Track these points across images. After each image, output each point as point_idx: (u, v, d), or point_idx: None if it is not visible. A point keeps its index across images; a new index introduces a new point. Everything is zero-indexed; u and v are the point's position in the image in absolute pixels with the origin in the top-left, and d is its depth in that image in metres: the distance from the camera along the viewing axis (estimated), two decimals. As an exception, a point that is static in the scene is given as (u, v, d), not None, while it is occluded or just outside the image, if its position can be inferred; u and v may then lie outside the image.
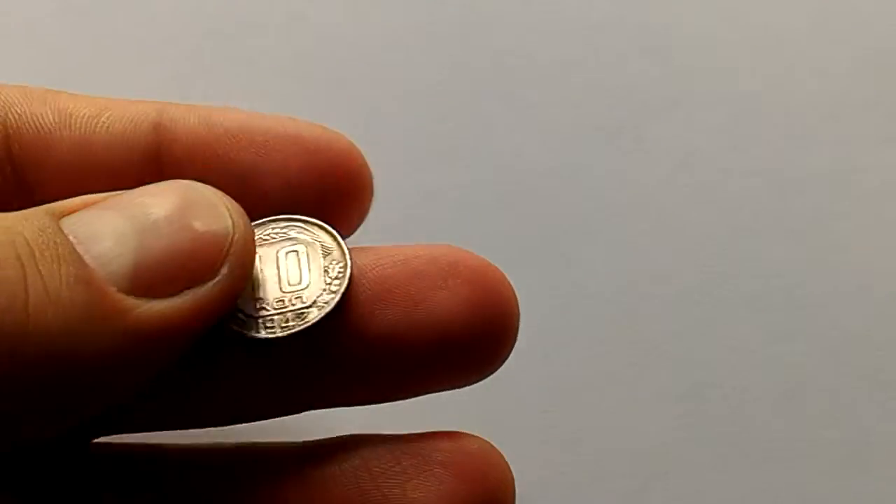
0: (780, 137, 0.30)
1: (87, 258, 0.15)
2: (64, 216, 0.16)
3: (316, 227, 0.18)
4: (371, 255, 0.18)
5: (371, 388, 0.18)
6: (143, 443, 0.19)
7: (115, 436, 0.19)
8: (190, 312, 0.15)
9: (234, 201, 0.16)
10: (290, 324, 0.17)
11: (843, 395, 0.26)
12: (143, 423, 0.18)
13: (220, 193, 0.16)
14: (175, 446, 0.19)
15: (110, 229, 0.15)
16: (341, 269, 0.17)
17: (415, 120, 0.30)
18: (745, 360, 0.26)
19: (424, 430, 0.18)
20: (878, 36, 0.32)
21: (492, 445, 0.18)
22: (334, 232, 0.18)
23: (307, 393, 0.18)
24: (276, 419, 0.19)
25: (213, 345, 0.17)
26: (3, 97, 0.18)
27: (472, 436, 0.18)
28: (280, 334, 0.17)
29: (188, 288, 0.15)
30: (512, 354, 0.18)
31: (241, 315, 0.17)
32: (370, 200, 0.19)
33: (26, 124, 0.18)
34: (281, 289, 0.18)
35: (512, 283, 0.18)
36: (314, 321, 0.17)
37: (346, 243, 0.18)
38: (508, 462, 0.18)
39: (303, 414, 0.18)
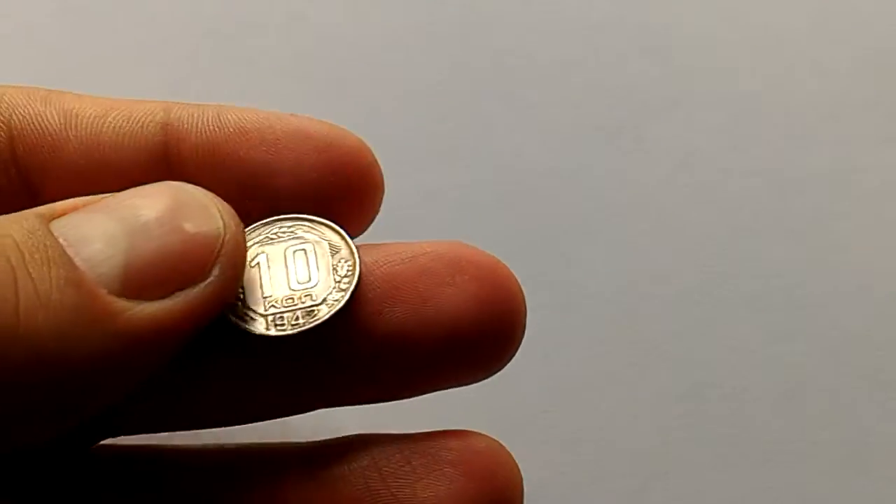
0: (780, 137, 0.30)
1: (77, 260, 0.15)
2: (54, 219, 0.15)
3: (323, 226, 0.18)
4: (378, 252, 0.18)
5: (379, 385, 0.18)
6: (146, 444, 0.19)
7: (118, 437, 0.19)
8: (181, 314, 0.15)
9: (225, 203, 0.16)
10: (300, 321, 0.17)
11: (843, 395, 0.26)
12: (150, 423, 0.18)
13: (210, 195, 0.16)
14: (179, 447, 0.19)
15: (100, 231, 0.15)
16: (350, 268, 0.18)
17: (415, 120, 0.30)
18: (745, 360, 0.26)
19: (423, 430, 0.18)
20: (878, 36, 0.32)
21: (500, 444, 0.18)
22: (341, 231, 0.18)
23: (315, 391, 0.18)
24: (281, 419, 0.18)
25: (223, 343, 0.17)
26: (7, 99, 0.18)
27: (481, 434, 0.18)
28: (291, 332, 0.17)
29: (179, 290, 0.15)
30: (512, 354, 0.18)
31: (250, 313, 0.17)
32: (381, 197, 0.19)
33: (31, 125, 0.18)
34: (290, 287, 0.18)
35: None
36: (324, 319, 0.17)
37: (353, 241, 0.18)
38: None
39: (304, 414, 0.18)
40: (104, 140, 0.18)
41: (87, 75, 0.30)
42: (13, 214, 0.15)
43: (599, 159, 0.30)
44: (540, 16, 0.32)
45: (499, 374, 0.18)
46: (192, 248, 0.16)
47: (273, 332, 0.17)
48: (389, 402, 0.18)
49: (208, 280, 0.16)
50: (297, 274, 0.18)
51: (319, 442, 0.18)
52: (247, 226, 0.18)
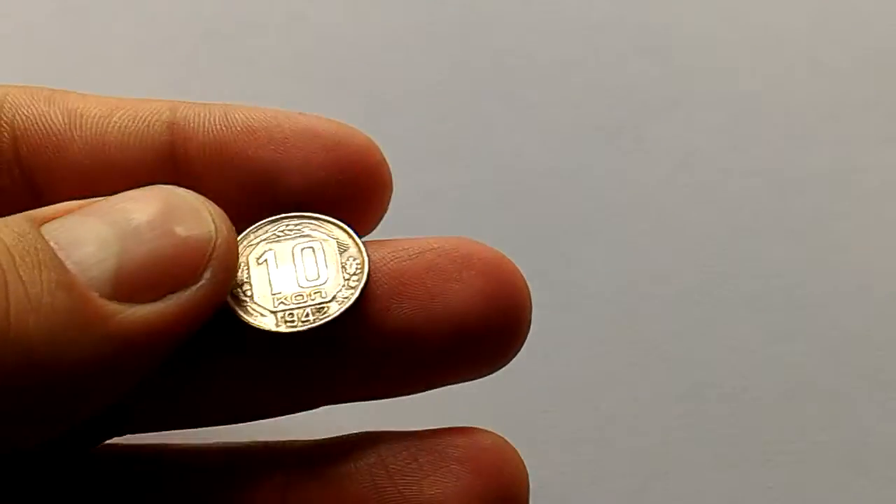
0: (780, 137, 0.30)
1: (68, 264, 0.15)
2: (45, 222, 0.15)
3: (329, 224, 0.18)
4: (385, 248, 0.18)
5: (386, 381, 0.18)
6: (148, 444, 0.19)
7: (121, 438, 0.19)
8: (173, 317, 0.15)
9: (216, 206, 0.16)
10: (310, 318, 0.17)
11: (843, 395, 0.26)
12: (156, 422, 0.18)
13: (202, 198, 0.16)
14: (182, 446, 0.19)
15: (92, 235, 0.15)
16: (359, 265, 0.18)
17: (415, 120, 0.30)
18: (745, 360, 0.26)
19: (422, 427, 0.18)
20: (878, 36, 0.32)
21: (505, 441, 0.18)
22: (348, 228, 0.18)
23: (322, 388, 0.18)
24: (286, 416, 0.18)
25: (232, 339, 0.17)
26: (10, 99, 0.18)
27: (487, 431, 0.18)
28: (301, 328, 0.17)
29: (171, 293, 0.15)
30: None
31: (259, 309, 0.17)
32: (390, 196, 0.19)
33: (35, 126, 0.18)
34: (299, 284, 0.18)
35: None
36: (335, 315, 0.17)
37: (360, 239, 0.18)
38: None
39: (309, 411, 0.18)
40: (109, 140, 0.18)
41: (86, 75, 0.30)
42: (3, 218, 0.15)
43: (599, 159, 0.29)
44: (540, 16, 0.32)
45: (498, 373, 0.18)
46: (184, 251, 0.16)
47: (283, 328, 0.17)
48: (389, 400, 0.18)
49: (200, 283, 0.16)
50: (305, 271, 0.18)
51: (325, 440, 0.18)
52: (253, 223, 0.18)
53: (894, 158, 0.30)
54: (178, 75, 0.30)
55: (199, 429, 0.19)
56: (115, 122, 0.18)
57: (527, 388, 0.25)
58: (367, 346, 0.17)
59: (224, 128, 0.18)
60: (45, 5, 0.32)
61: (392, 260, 0.18)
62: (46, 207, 0.16)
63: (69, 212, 0.16)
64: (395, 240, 0.18)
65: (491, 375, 0.19)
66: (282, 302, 0.17)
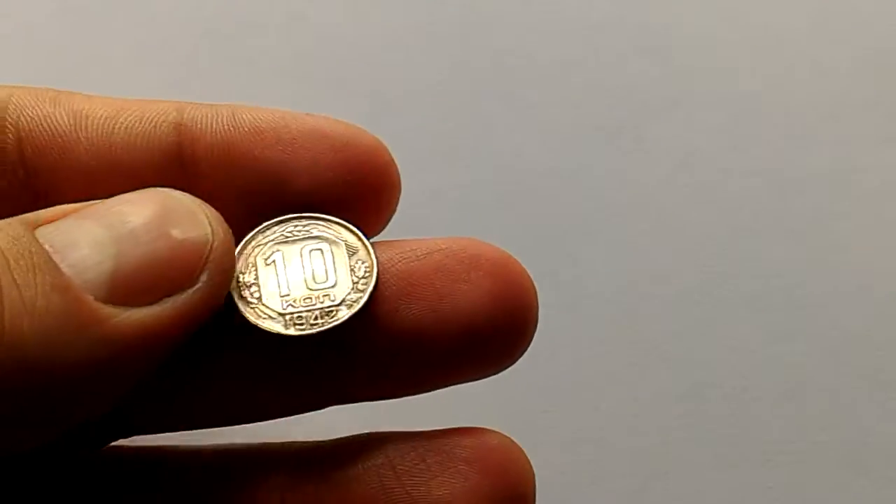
0: (780, 137, 0.30)
1: (63, 266, 0.15)
2: (39, 226, 0.15)
3: (338, 226, 0.18)
4: (392, 249, 0.18)
5: (393, 382, 0.18)
6: (152, 445, 0.19)
7: (124, 439, 0.19)
8: (170, 320, 0.15)
9: (213, 209, 0.16)
10: (320, 321, 0.17)
11: (843, 395, 0.26)
12: (163, 424, 0.18)
13: (198, 201, 0.16)
14: (186, 448, 0.19)
15: (87, 238, 0.15)
16: (367, 269, 0.18)
17: (415, 120, 0.30)
18: (745, 360, 0.26)
19: (422, 428, 0.18)
20: (878, 36, 0.32)
21: (512, 441, 0.18)
22: (356, 230, 0.18)
23: (330, 389, 0.18)
24: (289, 418, 0.19)
25: (239, 341, 0.17)
26: (14, 100, 0.18)
27: (493, 431, 0.18)
28: (311, 331, 0.17)
29: (167, 296, 0.15)
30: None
31: (268, 311, 0.17)
32: (398, 197, 0.19)
33: (40, 127, 0.18)
34: (308, 286, 0.18)
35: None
36: (344, 319, 0.17)
37: (369, 241, 0.18)
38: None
39: (313, 412, 0.18)
40: (116, 141, 0.18)
41: (87, 75, 0.30)
42: None
43: (599, 159, 0.29)
44: (540, 16, 0.32)
45: (498, 373, 0.18)
46: (180, 254, 0.16)
47: (292, 331, 0.17)
48: (385, 400, 0.19)
49: (196, 286, 0.16)
50: (314, 273, 0.18)
51: (331, 441, 0.18)
52: (261, 224, 0.18)
53: (894, 158, 0.30)
54: (178, 75, 0.30)
55: (203, 430, 0.19)
56: (122, 123, 0.18)
57: (527, 388, 0.25)
58: (376, 347, 0.17)
59: (232, 128, 0.18)
60: (45, 5, 0.32)
61: (400, 261, 0.18)
62: (41, 211, 0.16)
63: (64, 215, 0.16)
64: (402, 241, 0.18)
65: (508, 368, 0.19)
66: (290, 304, 0.17)
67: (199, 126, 0.18)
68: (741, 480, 0.25)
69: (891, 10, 0.33)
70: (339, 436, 0.19)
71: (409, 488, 0.17)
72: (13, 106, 0.18)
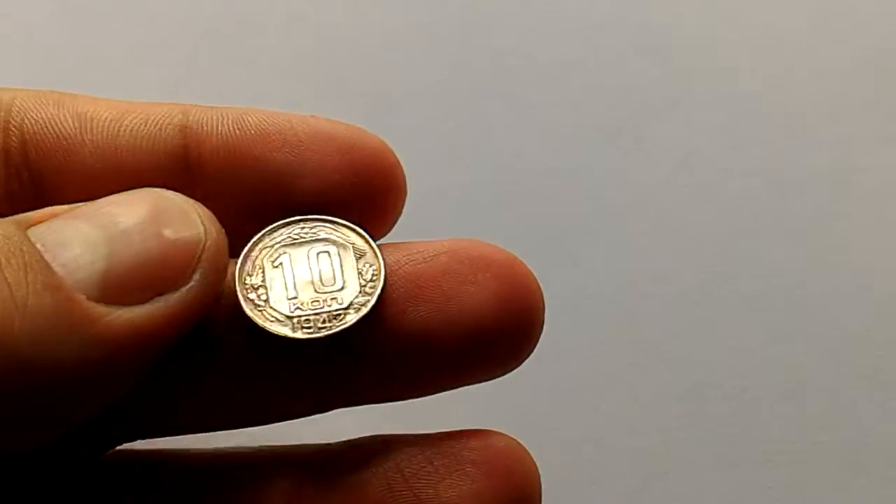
0: (780, 137, 0.30)
1: (54, 265, 0.15)
2: (31, 226, 0.15)
3: (345, 228, 0.18)
4: (399, 251, 0.18)
5: (402, 384, 0.18)
6: (156, 449, 0.19)
7: (129, 443, 0.19)
8: (163, 319, 0.15)
9: (206, 209, 0.16)
10: (328, 325, 0.17)
11: (843, 395, 0.26)
12: (168, 427, 0.18)
13: (191, 201, 0.16)
14: (192, 452, 0.19)
15: (79, 237, 0.15)
16: (375, 271, 0.18)
17: (415, 120, 0.30)
18: (745, 360, 0.26)
19: (422, 430, 0.18)
20: (878, 36, 0.32)
21: (518, 442, 0.18)
22: (364, 233, 0.18)
23: (337, 392, 0.18)
24: (294, 421, 0.19)
25: (246, 344, 0.17)
26: (18, 103, 0.18)
27: (500, 433, 0.18)
28: (319, 335, 0.17)
29: (160, 295, 0.15)
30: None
31: (275, 314, 0.17)
32: (404, 198, 0.19)
33: (44, 129, 0.18)
34: (315, 290, 0.18)
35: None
36: (352, 323, 0.17)
37: (376, 244, 0.18)
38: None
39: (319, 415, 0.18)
40: (121, 143, 0.18)
41: (87, 75, 0.30)
42: None
43: (599, 159, 0.30)
44: (540, 16, 0.32)
45: (504, 375, 0.19)
46: (173, 253, 0.16)
47: (300, 335, 0.17)
48: (390, 403, 0.19)
49: (189, 285, 0.16)
50: (321, 276, 0.18)
51: (337, 444, 0.18)
52: (267, 226, 0.18)
53: (894, 158, 0.30)
54: (179, 75, 0.30)
55: (208, 433, 0.19)
56: (127, 126, 0.18)
57: (527, 389, 0.25)
58: (384, 350, 0.17)
59: (238, 131, 0.18)
60: (46, 5, 0.32)
61: (407, 263, 0.18)
62: (34, 212, 0.16)
63: (56, 216, 0.16)
64: (408, 243, 0.18)
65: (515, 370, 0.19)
66: (298, 307, 0.17)
67: (204, 129, 0.18)
68: (741, 480, 0.25)
69: (891, 10, 0.33)
70: (344, 438, 0.19)
71: (417, 491, 0.17)
72: (17, 108, 0.18)
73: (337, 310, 0.17)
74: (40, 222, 0.15)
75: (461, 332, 0.17)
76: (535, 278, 0.18)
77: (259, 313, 0.17)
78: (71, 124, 0.18)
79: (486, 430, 0.18)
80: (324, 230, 0.18)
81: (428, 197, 0.28)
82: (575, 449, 0.25)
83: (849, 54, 0.32)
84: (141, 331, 0.15)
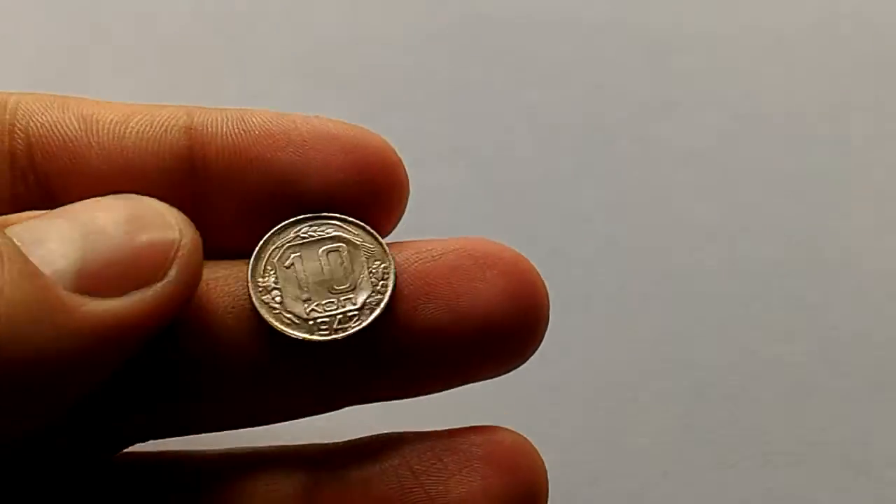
0: (780, 137, 0.30)
1: (32, 259, 0.15)
2: (8, 226, 0.15)
3: (353, 226, 0.18)
4: (407, 250, 0.18)
5: (413, 382, 0.18)
6: (167, 450, 0.19)
7: (141, 444, 0.19)
8: (139, 312, 0.15)
9: (182, 213, 0.17)
10: (344, 325, 0.17)
11: (843, 395, 0.26)
12: (181, 427, 0.18)
13: (167, 205, 0.16)
14: (205, 452, 0.19)
15: (56, 233, 0.15)
16: (385, 269, 0.18)
17: (414, 120, 0.30)
18: (745, 360, 0.26)
19: (420, 429, 0.18)
20: (878, 36, 0.32)
21: (524, 438, 0.18)
22: (372, 230, 0.18)
23: (347, 390, 0.18)
24: (297, 420, 0.19)
25: (259, 346, 0.17)
26: (23, 106, 0.18)
27: (506, 429, 0.18)
28: (337, 336, 0.17)
29: (136, 289, 0.16)
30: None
31: (291, 318, 0.17)
32: (407, 196, 0.19)
33: (50, 132, 0.18)
34: (329, 290, 0.18)
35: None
36: (367, 323, 0.17)
37: (384, 241, 0.18)
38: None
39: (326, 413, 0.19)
40: (127, 145, 0.18)
41: (86, 76, 0.30)
42: None
43: (599, 159, 0.30)
44: (540, 16, 0.32)
45: (510, 371, 0.19)
46: (149, 250, 0.16)
47: (317, 337, 0.17)
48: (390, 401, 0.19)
49: (166, 280, 0.16)
50: (333, 276, 0.18)
51: (346, 442, 0.19)
52: (274, 227, 0.18)
53: (894, 159, 0.30)
54: (179, 75, 0.30)
55: (212, 434, 0.19)
56: (133, 128, 0.18)
57: (526, 389, 0.25)
58: (396, 348, 0.18)
59: (242, 132, 0.18)
60: (46, 5, 0.32)
61: (416, 261, 0.18)
62: (12, 215, 0.16)
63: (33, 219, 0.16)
64: (415, 241, 0.18)
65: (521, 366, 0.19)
66: (313, 309, 0.18)
67: (209, 130, 0.18)
68: (741, 480, 0.25)
69: (891, 10, 0.33)
70: (350, 437, 0.19)
71: (427, 488, 0.17)
72: (22, 111, 0.18)
73: (351, 310, 0.17)
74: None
75: (471, 328, 0.18)
76: (540, 276, 0.18)
77: (275, 316, 0.17)
78: (76, 127, 0.18)
79: (492, 426, 0.18)
80: (332, 228, 0.18)
81: (427, 197, 0.28)
82: (575, 449, 0.25)
83: (849, 54, 0.32)
84: (117, 322, 0.15)
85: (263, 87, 0.30)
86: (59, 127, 0.18)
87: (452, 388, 0.18)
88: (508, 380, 0.19)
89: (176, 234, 0.16)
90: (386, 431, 0.19)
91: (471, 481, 0.17)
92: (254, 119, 0.18)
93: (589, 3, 0.32)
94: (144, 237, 0.16)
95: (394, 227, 0.19)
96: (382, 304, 0.17)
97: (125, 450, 0.19)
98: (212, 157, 0.18)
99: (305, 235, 0.18)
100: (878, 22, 0.32)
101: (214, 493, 0.18)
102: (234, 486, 0.18)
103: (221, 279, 0.18)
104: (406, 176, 0.19)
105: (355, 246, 0.18)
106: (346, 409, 0.18)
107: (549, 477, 0.18)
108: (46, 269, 0.15)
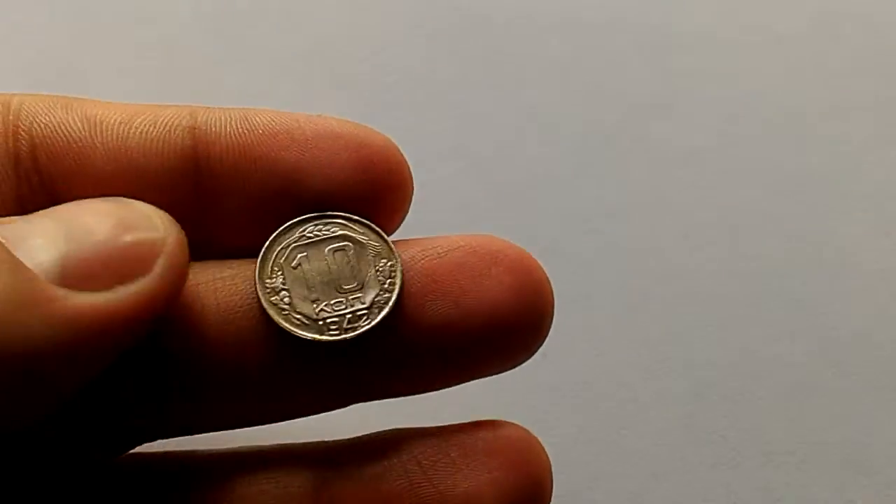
0: (780, 137, 0.30)
1: (17, 253, 0.15)
2: None
3: (359, 224, 0.18)
4: (413, 247, 0.18)
5: (420, 378, 0.18)
6: (174, 450, 0.19)
7: (148, 444, 0.19)
8: (124, 306, 0.15)
9: (168, 214, 0.17)
10: (353, 325, 0.17)
11: (843, 395, 0.26)
12: (187, 427, 0.18)
13: (152, 207, 0.17)
14: (212, 451, 0.19)
15: (40, 230, 0.16)
16: (392, 267, 0.18)
17: (414, 120, 0.30)
18: (745, 360, 0.26)
19: (425, 424, 0.18)
20: (878, 36, 0.32)
21: (528, 432, 0.18)
22: (377, 228, 0.18)
23: (356, 388, 0.18)
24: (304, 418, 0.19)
25: (266, 346, 0.17)
26: (26, 107, 0.18)
27: (511, 423, 0.18)
28: (347, 336, 0.17)
29: (120, 284, 0.16)
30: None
31: (301, 319, 0.17)
32: (411, 195, 0.19)
33: (54, 133, 0.18)
34: (337, 290, 0.18)
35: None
36: (377, 322, 0.17)
37: (390, 240, 0.18)
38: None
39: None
40: (131, 145, 0.18)
41: (86, 76, 0.30)
42: None
43: (599, 159, 0.30)
44: (540, 16, 0.32)
45: (515, 368, 0.19)
46: (133, 248, 0.16)
47: (327, 337, 0.17)
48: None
49: (151, 275, 0.16)
50: (341, 275, 0.18)
51: (354, 439, 0.19)
52: (280, 226, 0.18)
53: (894, 158, 0.30)
54: (179, 75, 0.30)
55: (217, 433, 0.19)
56: (137, 128, 0.18)
57: (526, 389, 0.25)
58: (404, 345, 0.18)
59: (246, 131, 0.18)
60: (46, 5, 0.32)
61: (423, 259, 0.18)
62: (3, 218, 0.16)
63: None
64: (420, 239, 0.18)
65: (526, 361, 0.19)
66: (322, 309, 0.18)
67: (213, 129, 0.18)
68: (741, 480, 0.25)
69: (891, 10, 0.33)
70: (353, 434, 0.19)
71: (435, 482, 0.18)
72: (25, 113, 0.18)
73: (360, 309, 0.18)
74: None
75: (478, 324, 0.18)
76: (544, 272, 0.18)
77: (285, 317, 0.17)
78: (80, 127, 0.18)
79: (498, 421, 0.18)
80: (337, 227, 0.18)
81: (427, 197, 0.28)
82: (575, 448, 0.25)
83: (849, 54, 0.32)
84: (102, 315, 0.15)
85: (264, 87, 0.30)
86: (63, 128, 0.18)
87: (460, 383, 0.19)
88: (508, 380, 0.19)
89: (161, 234, 0.16)
90: (385, 428, 0.19)
91: (478, 475, 0.18)
92: (258, 118, 0.18)
93: (589, 3, 0.32)
94: (129, 236, 0.16)
95: (398, 226, 0.19)
96: (391, 303, 0.18)
97: (131, 450, 0.19)
98: (216, 156, 0.18)
99: (311, 235, 0.18)
100: (878, 22, 0.32)
101: (223, 491, 0.18)
102: (242, 486, 0.18)
103: (228, 278, 0.18)
104: (410, 174, 0.19)
105: (361, 244, 0.18)
106: (350, 406, 0.19)
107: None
108: (30, 263, 0.15)
